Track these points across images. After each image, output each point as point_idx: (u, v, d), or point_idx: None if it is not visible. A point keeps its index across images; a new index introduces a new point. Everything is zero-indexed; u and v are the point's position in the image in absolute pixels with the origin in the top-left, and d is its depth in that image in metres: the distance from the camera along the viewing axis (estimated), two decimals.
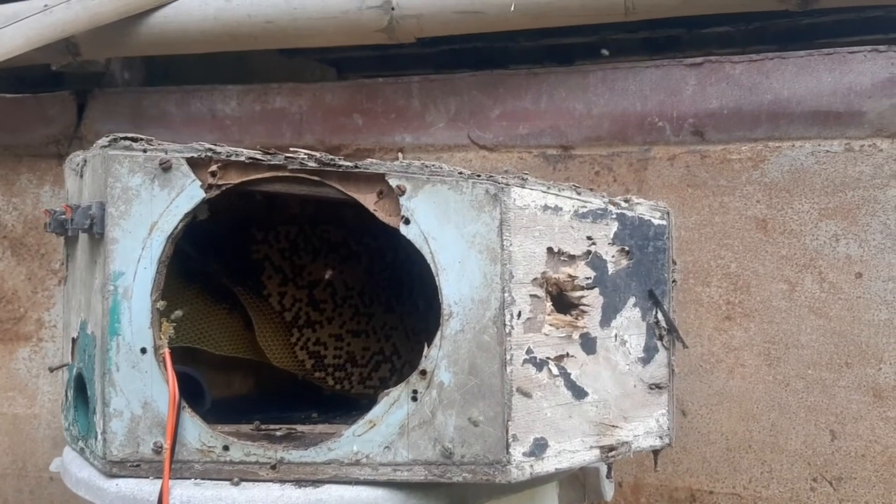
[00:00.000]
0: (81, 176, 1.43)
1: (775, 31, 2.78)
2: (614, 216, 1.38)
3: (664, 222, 1.44)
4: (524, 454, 1.25)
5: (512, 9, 2.01)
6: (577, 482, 1.55)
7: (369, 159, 1.32)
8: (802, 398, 1.97)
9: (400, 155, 2.20)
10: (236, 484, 1.26)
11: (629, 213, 1.40)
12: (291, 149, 1.31)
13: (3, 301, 2.47)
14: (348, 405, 1.62)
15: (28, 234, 2.46)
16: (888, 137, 1.93)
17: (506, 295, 1.24)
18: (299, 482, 1.25)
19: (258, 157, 1.30)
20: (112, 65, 2.52)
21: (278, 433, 1.31)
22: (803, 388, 1.97)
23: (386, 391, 1.26)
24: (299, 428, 1.32)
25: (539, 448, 1.26)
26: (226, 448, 1.29)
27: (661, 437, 1.43)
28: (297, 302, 1.61)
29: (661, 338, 1.43)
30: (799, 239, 1.97)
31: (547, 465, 1.28)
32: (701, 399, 2.03)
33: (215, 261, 1.55)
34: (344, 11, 2.09)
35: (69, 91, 2.46)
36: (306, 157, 1.30)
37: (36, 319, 2.46)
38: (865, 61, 1.95)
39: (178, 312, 1.33)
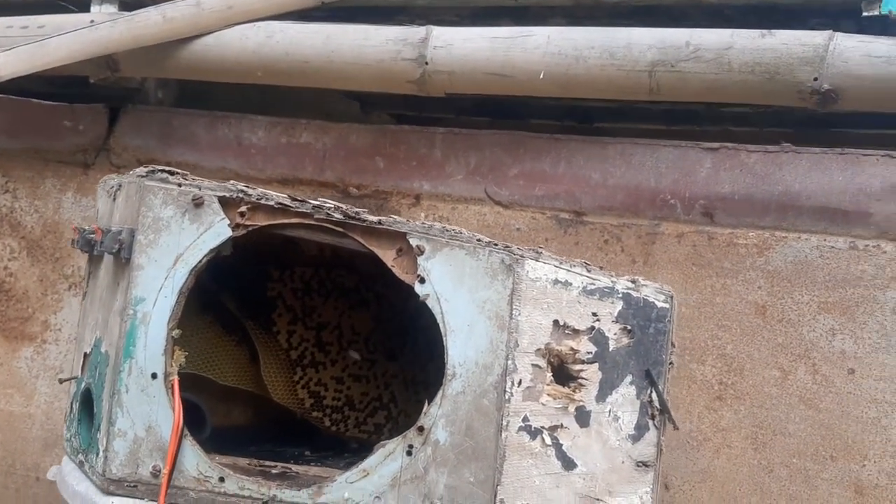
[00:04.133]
0: (114, 199, 1.49)
1: (791, 114, 2.84)
2: (620, 295, 1.43)
3: (667, 305, 1.49)
4: None
5: (541, 77, 2.08)
6: None
7: (393, 216, 1.37)
8: (784, 486, 2.00)
9: (423, 215, 2.26)
10: None
11: (635, 294, 1.45)
12: (320, 199, 1.36)
13: (14, 300, 2.51)
14: (341, 446, 1.66)
15: (46, 237, 2.51)
16: (893, 240, 1.98)
17: (509, 362, 1.28)
18: None
19: (287, 202, 1.35)
20: (147, 83, 2.59)
21: (274, 471, 1.35)
22: (786, 476, 2.00)
23: (382, 442, 1.31)
24: (294, 468, 1.36)
25: None
26: (221, 479, 1.32)
27: None
28: (304, 341, 1.65)
29: (653, 417, 1.47)
30: (796, 329, 2.02)
31: None
32: (685, 475, 2.06)
33: (230, 293, 1.60)
34: (379, 60, 2.16)
35: (103, 104, 2.52)
36: (332, 208, 1.35)
37: (43, 321, 2.50)
38: (878, 164, 2.01)
39: (178, 331, 1.36)
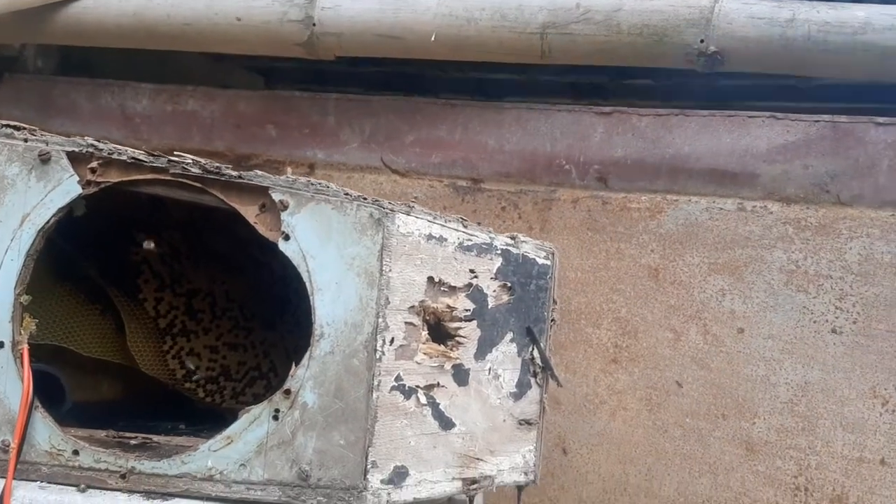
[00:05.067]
0: None
1: (692, 87, 2.87)
2: (499, 252, 1.39)
3: (548, 262, 1.47)
4: (382, 481, 1.24)
5: (433, 39, 2.03)
6: None
7: (256, 171, 1.31)
8: (679, 446, 2.01)
9: (289, 170, 2.19)
10: (83, 490, 1.23)
11: (514, 251, 1.42)
12: (176, 153, 1.28)
13: None
14: (219, 419, 1.59)
15: None
16: (779, 201, 2.00)
17: (380, 320, 1.24)
18: (148, 494, 1.22)
19: (141, 157, 1.27)
20: (26, 50, 2.45)
21: (133, 442, 1.27)
22: (680, 436, 2.02)
23: (247, 408, 1.25)
24: (155, 438, 1.28)
25: (399, 476, 1.26)
26: (76, 452, 1.24)
27: (525, 474, 1.44)
28: (173, 309, 1.57)
29: (535, 374, 1.45)
30: (688, 290, 2.03)
31: (405, 493, 1.27)
32: (582, 438, 2.06)
33: (92, 259, 1.51)
34: (265, 22, 2.08)
35: None
36: (190, 162, 1.28)
37: None
38: (763, 126, 2.03)
39: (27, 297, 1.27)
